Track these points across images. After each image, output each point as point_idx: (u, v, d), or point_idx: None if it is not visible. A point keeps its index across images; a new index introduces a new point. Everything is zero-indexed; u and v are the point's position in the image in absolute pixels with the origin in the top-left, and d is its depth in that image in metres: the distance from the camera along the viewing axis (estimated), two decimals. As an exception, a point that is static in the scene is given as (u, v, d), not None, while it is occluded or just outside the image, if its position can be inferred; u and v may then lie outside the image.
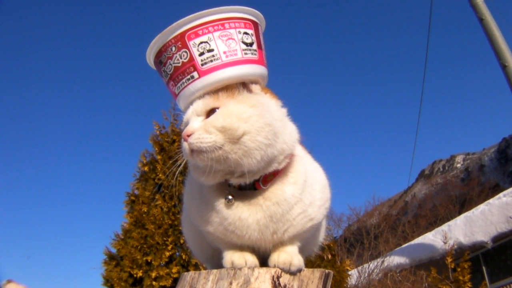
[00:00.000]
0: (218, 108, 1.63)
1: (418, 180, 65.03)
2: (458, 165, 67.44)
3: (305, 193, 1.76)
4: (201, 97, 1.68)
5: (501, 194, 14.70)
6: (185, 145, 1.62)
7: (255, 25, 1.76)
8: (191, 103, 1.70)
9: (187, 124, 1.68)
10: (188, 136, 1.60)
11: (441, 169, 69.23)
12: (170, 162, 6.03)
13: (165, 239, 6.34)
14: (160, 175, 6.69)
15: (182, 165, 1.71)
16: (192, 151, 1.60)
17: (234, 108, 1.61)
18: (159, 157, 6.89)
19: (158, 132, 7.17)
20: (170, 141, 7.00)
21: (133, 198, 6.78)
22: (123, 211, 6.79)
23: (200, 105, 1.65)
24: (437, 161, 70.76)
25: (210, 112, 1.63)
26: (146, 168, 6.89)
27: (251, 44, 1.72)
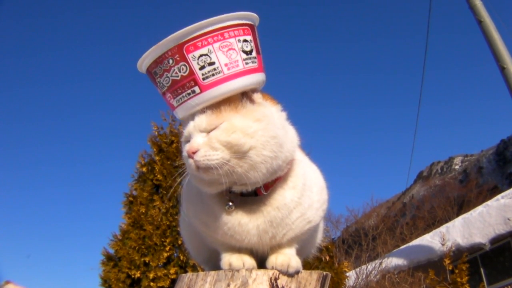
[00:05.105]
0: (222, 123, 1.60)
1: (416, 181, 65.04)
2: (456, 167, 67.50)
3: (304, 196, 1.77)
4: (202, 111, 1.64)
5: (499, 196, 14.71)
6: (190, 161, 1.59)
7: (252, 29, 1.73)
8: (191, 115, 1.67)
9: (188, 138, 1.66)
10: (193, 153, 1.58)
11: (439, 170, 69.28)
12: (168, 163, 6.01)
13: (163, 240, 6.33)
14: (158, 176, 6.68)
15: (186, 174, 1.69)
16: (198, 167, 1.58)
17: (239, 124, 1.59)
18: (157, 158, 6.88)
19: (156, 133, 7.16)
20: (168, 142, 6.99)
21: (131, 199, 6.77)
22: (121, 211, 6.78)
23: (204, 123, 1.62)
24: (435, 162, 70.81)
25: (214, 129, 1.61)
26: (144, 169, 6.88)
27: (250, 52, 1.69)
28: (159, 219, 6.43)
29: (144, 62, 1.68)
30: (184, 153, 1.66)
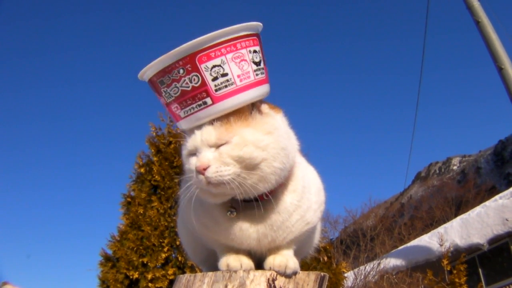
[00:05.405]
0: (232, 137, 1.58)
1: (415, 182, 64.95)
2: (455, 167, 67.48)
3: (304, 199, 1.77)
4: (210, 123, 1.62)
5: (497, 197, 14.75)
6: (200, 177, 1.56)
7: (259, 39, 1.71)
8: (198, 127, 1.64)
9: (193, 151, 1.64)
10: (204, 169, 1.55)
11: (438, 171, 69.25)
12: (167, 163, 6.00)
13: (161, 240, 6.33)
14: (156, 176, 6.68)
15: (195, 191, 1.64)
16: (209, 183, 1.56)
17: (250, 137, 1.58)
18: (155, 158, 6.88)
19: (154, 133, 7.15)
20: (166, 143, 6.99)
21: (129, 199, 6.76)
22: (119, 212, 6.76)
23: (213, 137, 1.59)
24: (433, 163, 70.78)
25: (224, 144, 1.58)
26: (142, 170, 6.87)
27: (259, 63, 1.68)
28: (157, 220, 6.43)
29: (150, 70, 1.64)
30: (190, 167, 1.63)
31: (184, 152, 1.69)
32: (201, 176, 1.56)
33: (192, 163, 1.62)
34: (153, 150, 6.97)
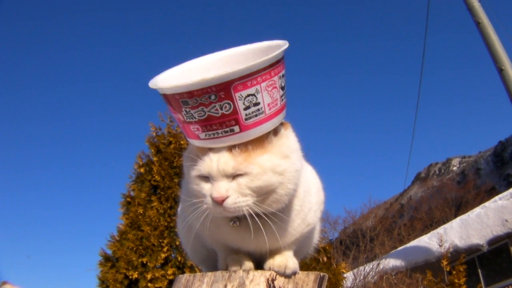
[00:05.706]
0: (252, 168, 1.54)
1: (414, 183, 64.80)
2: (454, 168, 67.37)
3: (305, 202, 1.76)
4: (229, 148, 1.57)
5: (497, 197, 14.75)
6: (217, 206, 1.54)
7: (284, 60, 1.65)
8: (213, 148, 1.60)
9: (205, 175, 1.59)
10: (223, 200, 1.52)
11: (437, 172, 69.11)
12: (166, 164, 6.01)
13: (160, 240, 6.34)
14: (156, 176, 6.69)
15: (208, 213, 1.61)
16: (225, 211, 1.55)
17: (268, 164, 1.55)
18: (155, 158, 6.89)
19: (154, 133, 7.16)
20: (166, 143, 7.00)
21: (129, 199, 6.78)
22: (119, 212, 6.78)
23: (230, 168, 1.54)
24: (433, 164, 70.60)
25: (242, 174, 1.55)
26: (142, 170, 6.88)
27: (284, 87, 1.64)
28: (157, 220, 6.44)
29: (175, 89, 1.53)
30: (202, 192, 1.59)
31: (194, 173, 1.62)
32: (218, 206, 1.54)
33: (205, 188, 1.58)
34: (153, 150, 6.99)
